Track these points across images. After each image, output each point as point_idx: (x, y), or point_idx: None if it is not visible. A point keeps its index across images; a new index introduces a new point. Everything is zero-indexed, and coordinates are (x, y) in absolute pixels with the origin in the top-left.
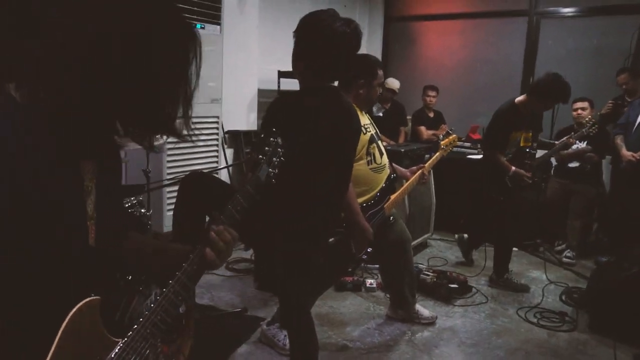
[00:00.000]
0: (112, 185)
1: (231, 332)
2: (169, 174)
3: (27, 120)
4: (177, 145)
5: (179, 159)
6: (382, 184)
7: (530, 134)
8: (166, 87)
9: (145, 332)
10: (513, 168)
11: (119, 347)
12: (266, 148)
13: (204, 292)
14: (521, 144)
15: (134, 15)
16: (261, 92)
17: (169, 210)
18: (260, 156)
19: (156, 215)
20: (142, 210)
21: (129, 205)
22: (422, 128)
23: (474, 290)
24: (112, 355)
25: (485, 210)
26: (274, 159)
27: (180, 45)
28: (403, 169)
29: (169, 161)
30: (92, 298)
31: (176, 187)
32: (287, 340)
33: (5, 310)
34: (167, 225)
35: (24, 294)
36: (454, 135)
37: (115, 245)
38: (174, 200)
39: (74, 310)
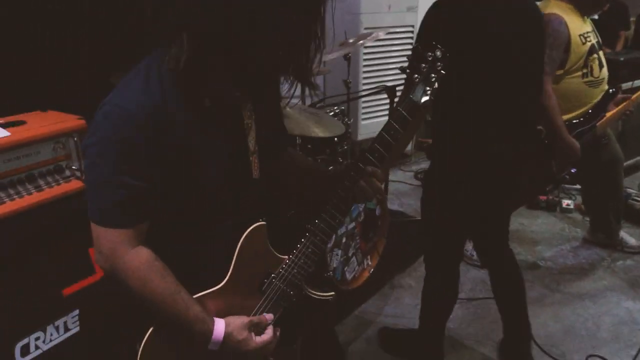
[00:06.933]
0: (270, 114)
1: (419, 238)
2: (364, 84)
3: (178, 85)
4: (372, 57)
5: (374, 69)
6: (596, 100)
7: None
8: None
9: (307, 252)
10: None
11: (285, 263)
12: (422, 65)
13: (394, 198)
14: None
15: None
16: None
17: (364, 119)
18: (415, 75)
19: (352, 125)
20: (345, 119)
21: (332, 114)
22: None
23: None
24: (280, 269)
25: None
26: (432, 75)
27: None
28: None
29: (364, 72)
30: (259, 223)
31: (372, 97)
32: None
33: (195, 239)
34: (362, 134)
35: (205, 224)
36: None
37: (277, 170)
38: (369, 110)
39: (245, 234)
